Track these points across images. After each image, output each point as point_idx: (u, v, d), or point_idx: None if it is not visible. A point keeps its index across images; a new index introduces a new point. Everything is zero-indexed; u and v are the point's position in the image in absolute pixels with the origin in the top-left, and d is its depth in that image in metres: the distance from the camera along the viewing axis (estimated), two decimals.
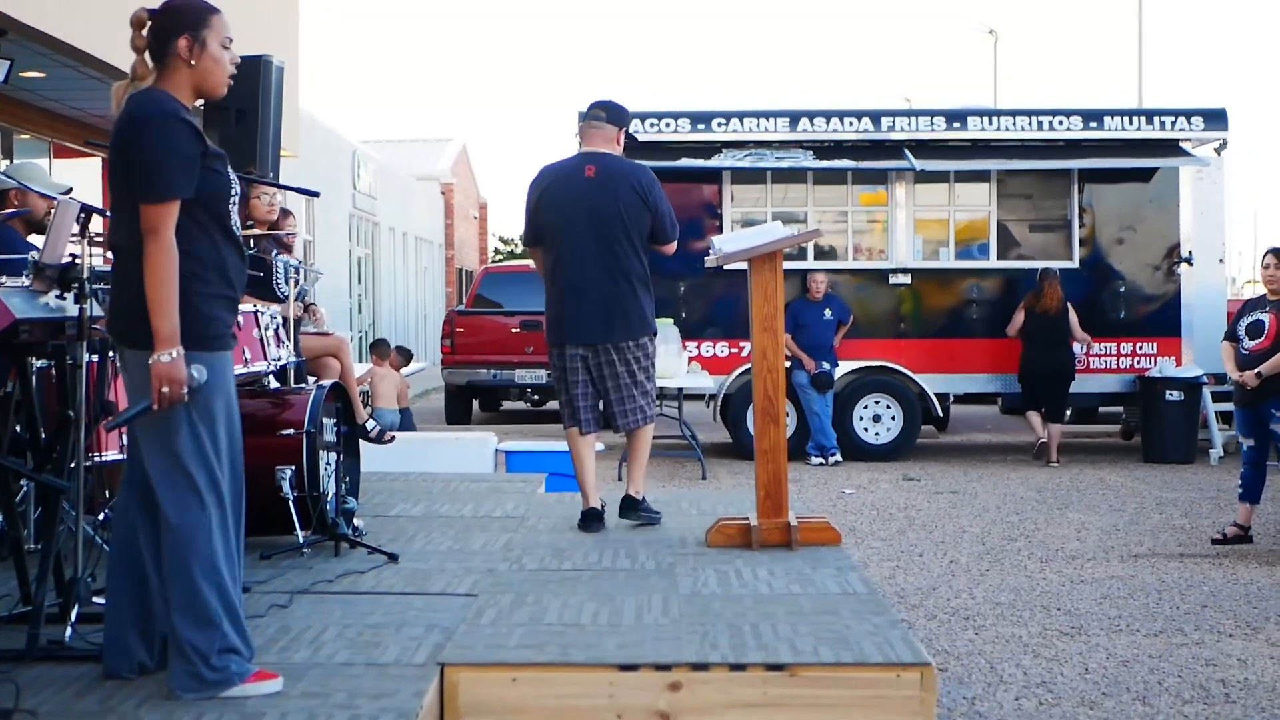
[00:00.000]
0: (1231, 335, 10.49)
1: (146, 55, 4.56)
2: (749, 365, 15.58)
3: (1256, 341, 10.19)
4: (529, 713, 4.86)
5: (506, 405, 22.98)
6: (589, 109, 7.95)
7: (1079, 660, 7.05)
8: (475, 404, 21.90)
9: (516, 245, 58.66)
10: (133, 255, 4.45)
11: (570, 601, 5.92)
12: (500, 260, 51.52)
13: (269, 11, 16.15)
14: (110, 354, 5.43)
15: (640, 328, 7.76)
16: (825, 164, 16.12)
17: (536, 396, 20.81)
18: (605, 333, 7.69)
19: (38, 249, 5.92)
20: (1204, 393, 15.80)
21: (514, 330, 20.38)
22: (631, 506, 7.83)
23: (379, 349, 16.26)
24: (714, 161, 16.05)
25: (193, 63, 4.56)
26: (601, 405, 7.89)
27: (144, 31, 4.54)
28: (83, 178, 14.61)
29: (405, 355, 17.17)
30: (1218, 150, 16.50)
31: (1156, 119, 16.35)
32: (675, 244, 7.90)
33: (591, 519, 7.77)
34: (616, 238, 7.64)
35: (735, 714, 4.90)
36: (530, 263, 23.71)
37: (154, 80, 4.55)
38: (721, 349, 16.17)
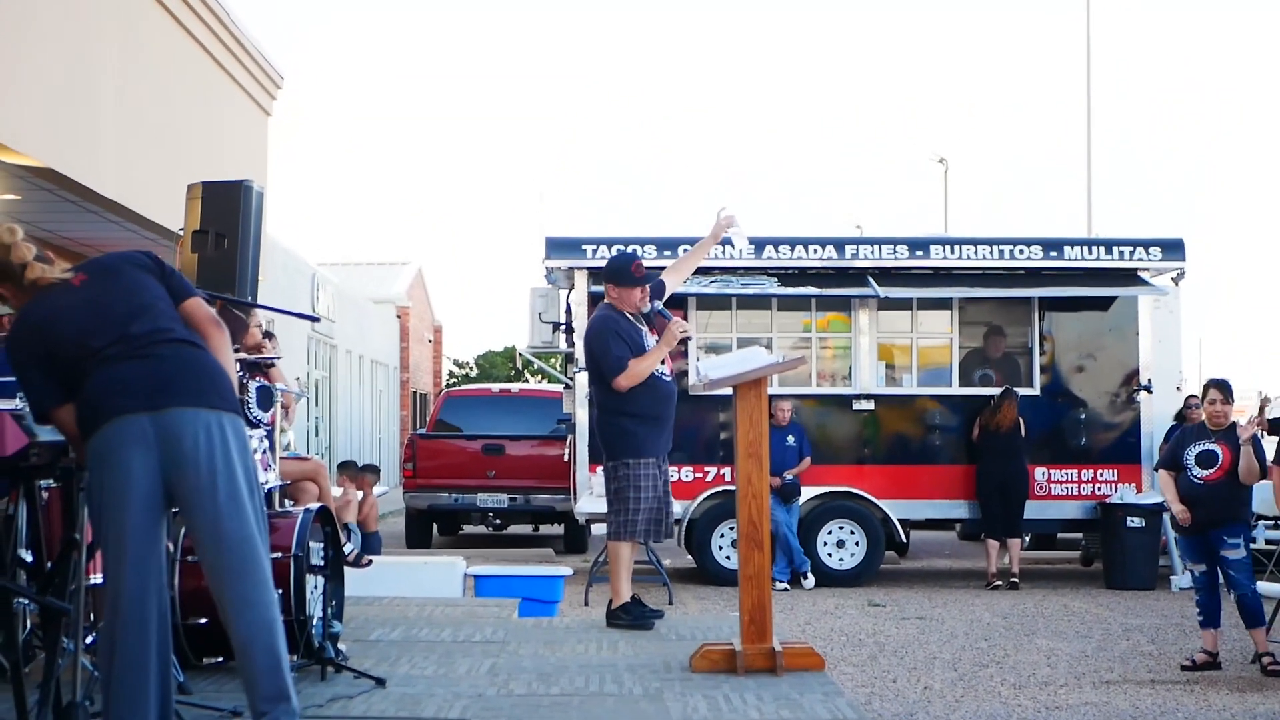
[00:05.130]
0: (1173, 465, 10.56)
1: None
2: (714, 490, 15.96)
3: (1209, 471, 10.28)
4: None
5: (466, 529, 22.90)
6: None
7: None
8: (435, 528, 21.81)
9: (471, 369, 58.79)
10: (192, 342, 5.11)
11: None
12: (454, 384, 51.56)
13: (241, 137, 16.30)
14: None
15: (613, 452, 8.91)
16: (790, 290, 16.29)
17: (499, 521, 20.71)
18: (599, 453, 9.20)
19: None
20: (1164, 519, 15.92)
21: (475, 454, 20.37)
22: (611, 615, 8.95)
23: (346, 470, 16.23)
24: (680, 288, 16.14)
25: None
26: None
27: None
28: None
29: (374, 472, 17.07)
30: (1175, 280, 16.77)
31: (1115, 248, 16.62)
32: (621, 379, 8.78)
33: (611, 615, 9.02)
34: (591, 379, 9.22)
35: None
36: (493, 386, 24.38)
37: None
38: (686, 474, 16.19)
